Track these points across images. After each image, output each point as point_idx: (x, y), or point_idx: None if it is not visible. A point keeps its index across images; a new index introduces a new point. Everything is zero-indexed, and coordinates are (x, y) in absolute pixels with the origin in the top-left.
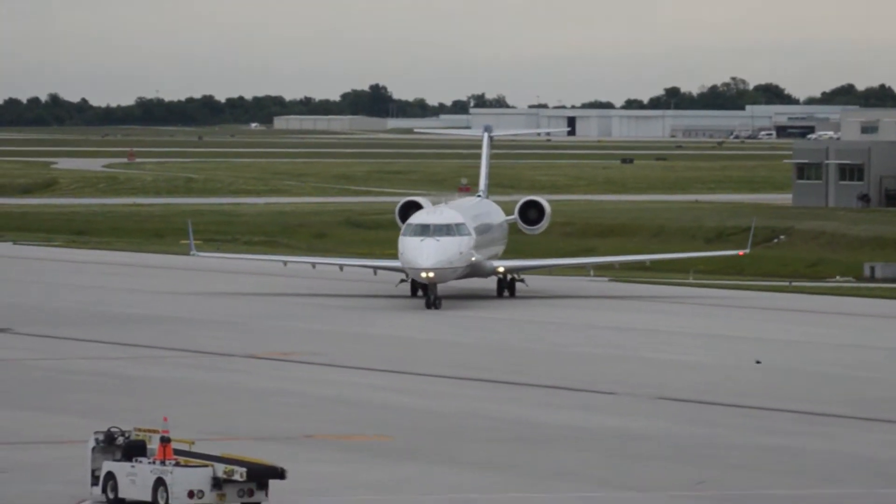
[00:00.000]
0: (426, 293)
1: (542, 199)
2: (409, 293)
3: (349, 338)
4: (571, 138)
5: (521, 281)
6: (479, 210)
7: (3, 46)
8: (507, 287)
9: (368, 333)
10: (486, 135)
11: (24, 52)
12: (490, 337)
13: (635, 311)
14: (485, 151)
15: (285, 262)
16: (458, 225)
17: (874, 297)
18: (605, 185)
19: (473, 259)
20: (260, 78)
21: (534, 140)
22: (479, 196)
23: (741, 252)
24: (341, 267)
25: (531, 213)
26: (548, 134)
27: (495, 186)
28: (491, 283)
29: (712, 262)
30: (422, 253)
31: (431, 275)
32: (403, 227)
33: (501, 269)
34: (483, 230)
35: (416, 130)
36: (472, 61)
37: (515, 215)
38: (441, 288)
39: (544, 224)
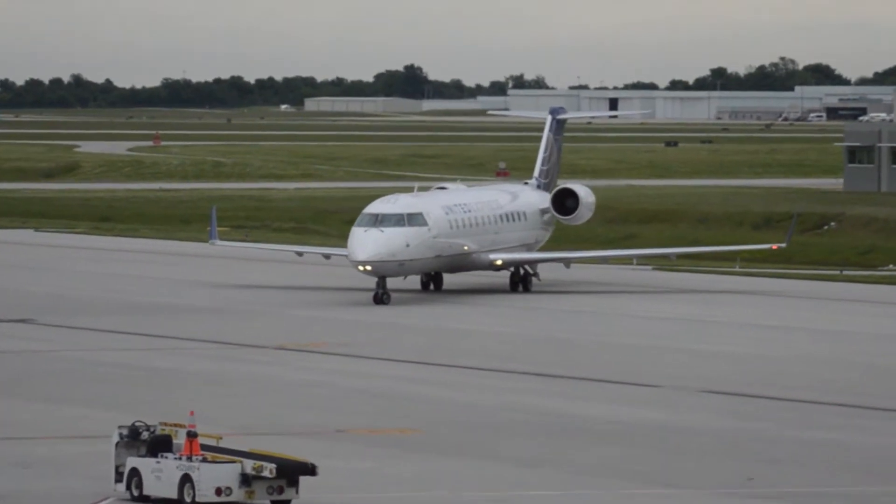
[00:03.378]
0: (378, 289)
1: (578, 187)
2: (419, 287)
3: (377, 328)
4: (613, 121)
5: (535, 275)
6: (491, 198)
7: (25, 25)
8: (520, 281)
9: (397, 323)
10: (549, 118)
11: (45, 32)
12: (525, 327)
13: (678, 300)
14: (545, 135)
15: (300, 253)
16: (411, 215)
17: None
18: (648, 169)
19: (464, 250)
20: (290, 58)
21: (574, 123)
22: (526, 183)
23: (775, 246)
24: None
25: (569, 202)
26: (596, 118)
27: (530, 171)
28: (502, 278)
29: (759, 249)
30: (360, 244)
31: (368, 268)
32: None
33: (500, 262)
34: (492, 220)
35: (489, 112)
36: (510, 41)
37: (548, 204)
38: (452, 281)
39: (582, 213)
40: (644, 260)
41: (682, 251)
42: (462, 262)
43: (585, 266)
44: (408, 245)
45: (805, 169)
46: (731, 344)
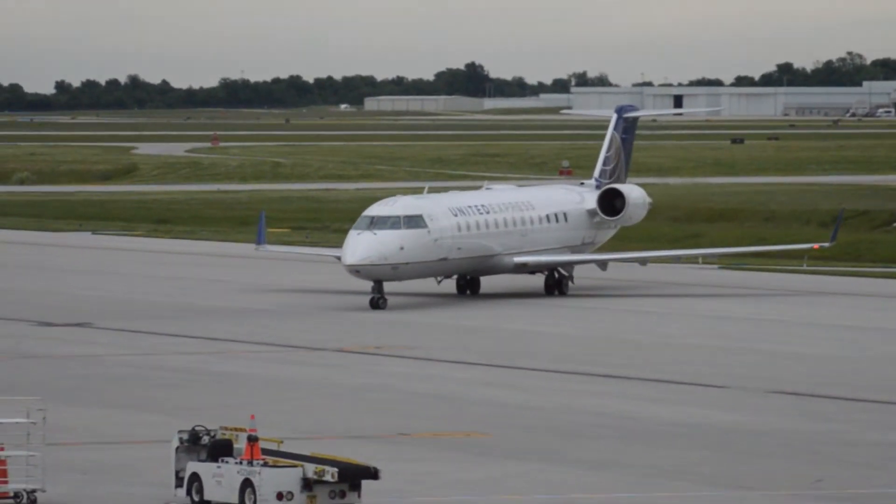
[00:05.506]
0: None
1: (625, 186)
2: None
3: (437, 330)
4: (679, 118)
5: (569, 278)
6: (525, 198)
7: (81, 26)
8: (555, 285)
9: (458, 325)
10: (615, 116)
11: (102, 33)
12: (589, 328)
13: (744, 300)
14: (609, 134)
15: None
16: (409, 217)
17: None
18: (714, 166)
19: (481, 253)
20: (350, 57)
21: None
22: (582, 183)
23: (816, 245)
24: None
25: (618, 202)
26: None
27: (590, 170)
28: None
29: (828, 246)
30: (352, 248)
31: (358, 271)
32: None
33: (524, 264)
34: (519, 222)
35: (562, 112)
36: (572, 37)
37: (595, 204)
38: (486, 286)
39: (630, 213)
40: (709, 259)
41: (723, 252)
42: (482, 265)
43: (649, 266)
44: (402, 248)
45: (874, 165)
46: (799, 344)
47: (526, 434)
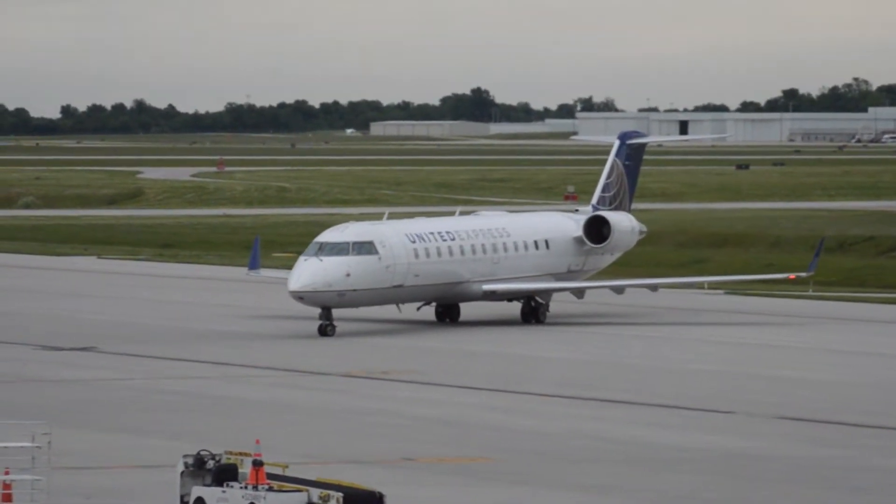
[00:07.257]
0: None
1: (612, 214)
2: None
3: (442, 355)
4: (684, 143)
5: (546, 307)
6: (500, 225)
7: (87, 51)
8: (531, 313)
9: (463, 350)
10: (617, 142)
11: (108, 57)
12: (593, 353)
13: (750, 325)
14: (610, 160)
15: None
16: (358, 244)
17: None
18: (720, 192)
19: (444, 280)
20: (356, 82)
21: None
22: (577, 210)
23: (792, 276)
24: None
25: (605, 229)
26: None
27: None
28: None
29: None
30: (297, 274)
31: (302, 298)
32: None
33: (493, 291)
34: (491, 249)
35: (572, 139)
36: (578, 63)
37: (581, 232)
38: (469, 313)
39: (617, 240)
40: (715, 284)
41: (711, 279)
42: (448, 292)
43: (642, 291)
44: (348, 275)
45: (879, 191)
46: (805, 369)
47: (531, 459)
